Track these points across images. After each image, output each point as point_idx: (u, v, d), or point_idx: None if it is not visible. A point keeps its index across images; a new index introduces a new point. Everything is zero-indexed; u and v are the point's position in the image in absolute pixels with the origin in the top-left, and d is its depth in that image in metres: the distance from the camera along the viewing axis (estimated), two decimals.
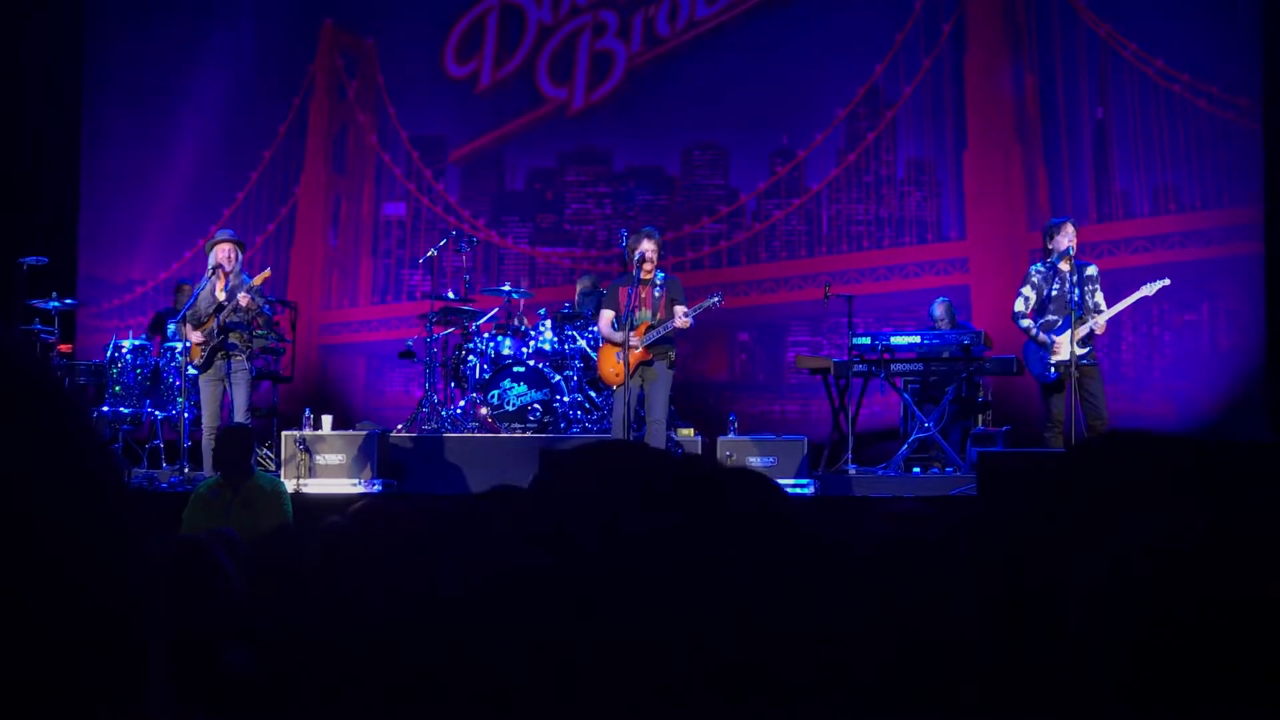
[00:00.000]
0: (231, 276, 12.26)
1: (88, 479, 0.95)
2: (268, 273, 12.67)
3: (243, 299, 12.03)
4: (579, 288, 15.12)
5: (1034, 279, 12.23)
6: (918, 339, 13.26)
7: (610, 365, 11.81)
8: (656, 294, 11.68)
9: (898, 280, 16.26)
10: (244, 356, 12.31)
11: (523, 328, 14.14)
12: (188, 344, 12.40)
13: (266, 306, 12.55)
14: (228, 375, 12.26)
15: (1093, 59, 15.86)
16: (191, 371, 12.41)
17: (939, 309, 14.44)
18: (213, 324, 12.16)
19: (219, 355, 12.23)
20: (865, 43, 16.46)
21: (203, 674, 2.73)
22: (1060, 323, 12.01)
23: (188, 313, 12.34)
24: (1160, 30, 15.54)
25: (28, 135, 16.53)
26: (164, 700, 0.98)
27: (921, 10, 16.32)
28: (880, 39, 16.42)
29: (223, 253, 12.29)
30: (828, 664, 1.44)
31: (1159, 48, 15.53)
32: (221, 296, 12.20)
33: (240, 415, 12.10)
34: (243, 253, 12.59)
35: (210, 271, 12.30)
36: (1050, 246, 12.13)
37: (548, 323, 14.13)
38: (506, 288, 14.74)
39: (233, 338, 12.23)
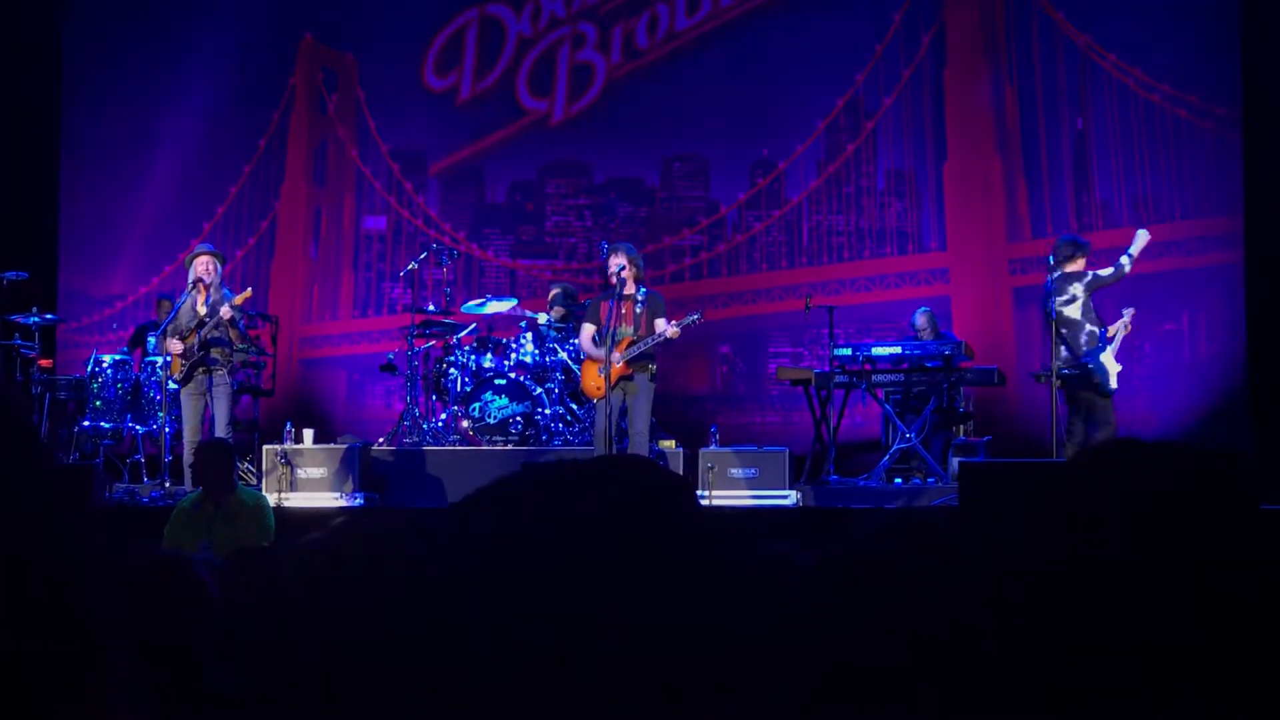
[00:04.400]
0: (212, 290, 12.22)
1: (46, 501, 0.94)
2: (249, 293, 12.60)
3: (225, 313, 11.98)
4: (551, 296, 14.97)
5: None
6: (899, 350, 13.27)
7: (592, 379, 11.80)
8: (638, 310, 11.67)
9: (878, 291, 16.27)
10: (225, 371, 12.26)
11: (504, 341, 14.13)
12: (168, 358, 12.36)
13: (241, 322, 12.49)
14: (209, 390, 12.20)
15: (1072, 69, 15.89)
16: (172, 386, 12.36)
17: (920, 319, 14.45)
18: (194, 339, 12.11)
19: (199, 370, 12.18)
20: (845, 54, 16.48)
21: (184, 689, 2.72)
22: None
23: (169, 326, 12.30)
24: (1139, 40, 15.58)
25: (6, 150, 16.47)
26: (135, 713, 0.97)
27: (901, 21, 16.34)
28: (860, 50, 16.44)
29: (202, 266, 12.24)
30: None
31: (1138, 58, 15.56)
32: (203, 310, 12.15)
33: (221, 430, 12.05)
34: (222, 266, 12.55)
35: (191, 285, 12.25)
36: (1073, 268, 12.08)
37: (529, 335, 14.11)
38: (487, 300, 14.73)
39: (214, 353, 12.17)
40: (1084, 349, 11.88)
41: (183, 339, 12.17)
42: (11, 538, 0.94)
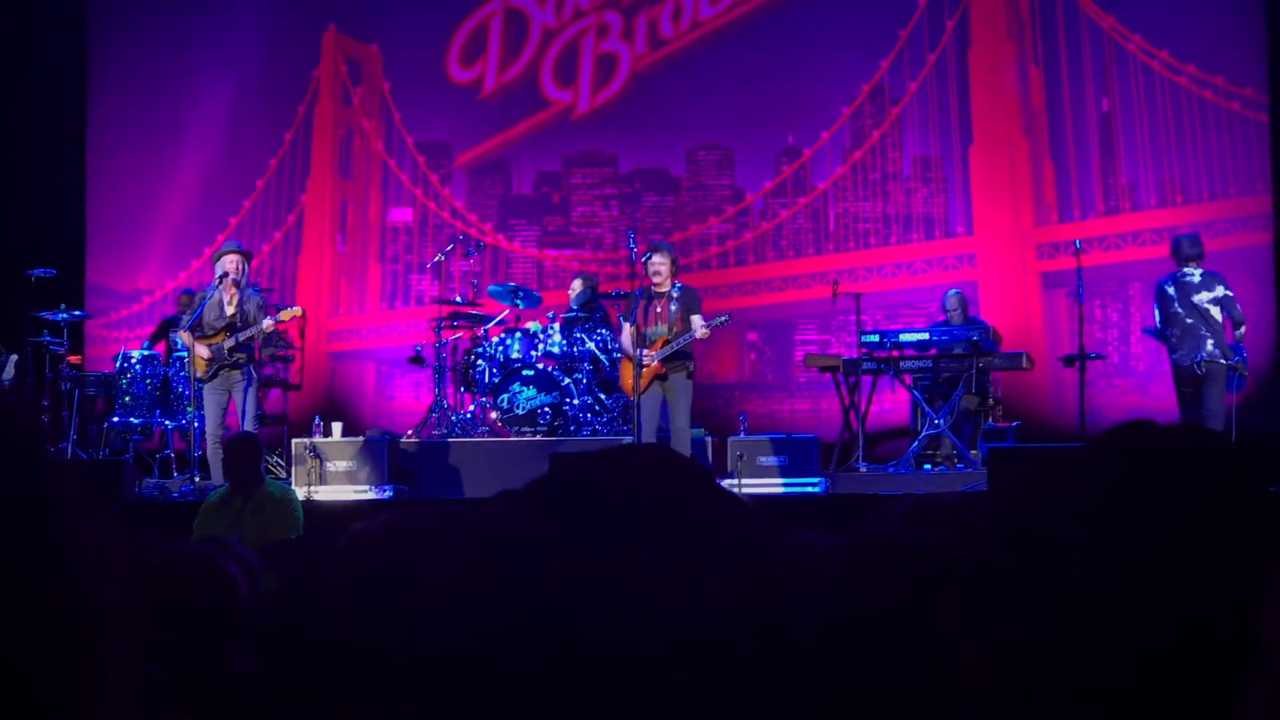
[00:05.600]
0: (239, 291, 12.28)
1: (42, 496, 0.94)
2: (298, 311, 12.74)
3: (267, 326, 12.09)
4: (571, 290, 14.88)
5: None
6: (927, 335, 13.23)
7: (630, 378, 11.89)
8: (673, 309, 11.73)
9: (905, 277, 16.23)
10: (250, 367, 12.32)
11: (533, 328, 14.08)
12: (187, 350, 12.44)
13: (273, 335, 12.56)
14: (244, 386, 12.25)
15: (1097, 51, 15.82)
16: (201, 382, 12.41)
17: (951, 301, 14.37)
18: (222, 339, 12.15)
19: (224, 369, 12.24)
20: (869, 40, 16.44)
21: (207, 680, 2.73)
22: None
23: (193, 322, 12.33)
24: (1164, 22, 15.51)
25: (34, 148, 16.54)
26: (129, 704, 0.97)
27: (925, 6, 16.29)
28: (884, 36, 16.40)
29: (231, 263, 12.31)
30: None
31: (1163, 39, 15.49)
32: (230, 310, 12.21)
33: (249, 423, 12.09)
34: (248, 265, 12.59)
35: (218, 281, 12.29)
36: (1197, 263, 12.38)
37: (556, 325, 14.08)
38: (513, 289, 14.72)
39: (241, 357, 12.22)
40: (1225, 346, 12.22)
41: (208, 337, 12.21)
42: (11, 537, 0.94)
